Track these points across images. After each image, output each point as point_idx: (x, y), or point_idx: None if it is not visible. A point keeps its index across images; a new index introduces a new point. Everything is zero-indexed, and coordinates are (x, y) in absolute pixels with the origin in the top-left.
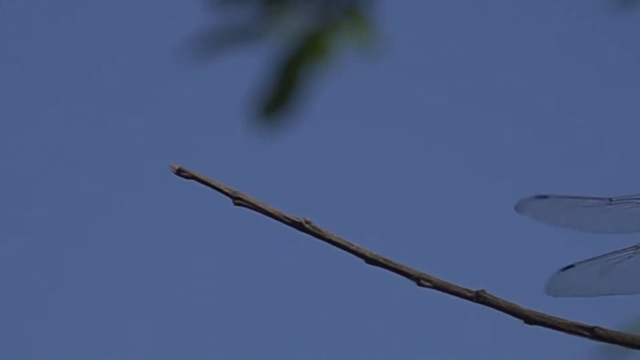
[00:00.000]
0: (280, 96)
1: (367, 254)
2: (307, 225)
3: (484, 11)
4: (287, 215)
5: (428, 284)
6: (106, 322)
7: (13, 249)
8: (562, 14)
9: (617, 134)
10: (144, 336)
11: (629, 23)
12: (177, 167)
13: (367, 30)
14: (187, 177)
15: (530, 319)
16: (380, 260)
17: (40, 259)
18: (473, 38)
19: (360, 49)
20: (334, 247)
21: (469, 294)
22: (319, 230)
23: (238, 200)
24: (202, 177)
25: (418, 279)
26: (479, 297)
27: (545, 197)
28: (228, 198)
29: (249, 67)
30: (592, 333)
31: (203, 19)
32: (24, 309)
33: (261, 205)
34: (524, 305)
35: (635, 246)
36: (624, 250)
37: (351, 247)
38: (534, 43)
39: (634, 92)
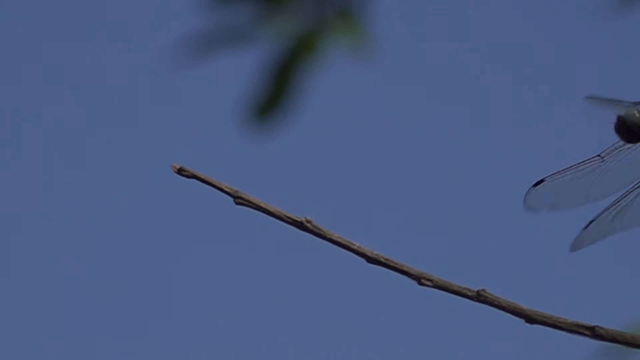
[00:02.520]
0: (275, 96)
1: (368, 254)
2: (308, 225)
3: (479, 11)
4: (288, 215)
5: (429, 283)
6: (106, 321)
7: (13, 249)
8: (560, 13)
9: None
10: (144, 335)
11: (629, 23)
12: (178, 167)
13: (360, 31)
14: (188, 177)
15: (531, 319)
16: (381, 260)
17: (41, 258)
18: (468, 38)
19: (353, 50)
20: (335, 247)
21: (469, 293)
22: (319, 229)
23: (239, 200)
24: (203, 177)
25: (419, 278)
26: (479, 297)
27: (542, 181)
28: (229, 197)
29: (245, 67)
30: (593, 332)
31: (198, 20)
32: (23, 308)
33: (262, 205)
34: (525, 304)
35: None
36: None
37: (352, 247)
38: (532, 43)
39: (634, 93)
